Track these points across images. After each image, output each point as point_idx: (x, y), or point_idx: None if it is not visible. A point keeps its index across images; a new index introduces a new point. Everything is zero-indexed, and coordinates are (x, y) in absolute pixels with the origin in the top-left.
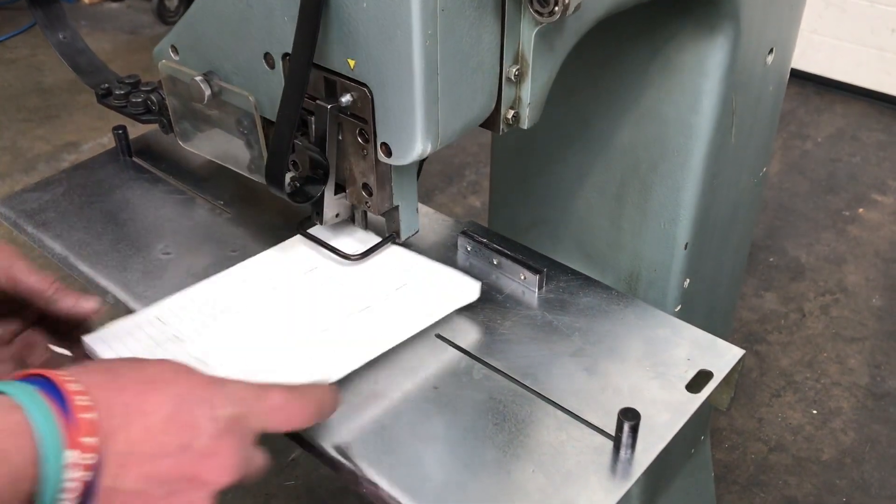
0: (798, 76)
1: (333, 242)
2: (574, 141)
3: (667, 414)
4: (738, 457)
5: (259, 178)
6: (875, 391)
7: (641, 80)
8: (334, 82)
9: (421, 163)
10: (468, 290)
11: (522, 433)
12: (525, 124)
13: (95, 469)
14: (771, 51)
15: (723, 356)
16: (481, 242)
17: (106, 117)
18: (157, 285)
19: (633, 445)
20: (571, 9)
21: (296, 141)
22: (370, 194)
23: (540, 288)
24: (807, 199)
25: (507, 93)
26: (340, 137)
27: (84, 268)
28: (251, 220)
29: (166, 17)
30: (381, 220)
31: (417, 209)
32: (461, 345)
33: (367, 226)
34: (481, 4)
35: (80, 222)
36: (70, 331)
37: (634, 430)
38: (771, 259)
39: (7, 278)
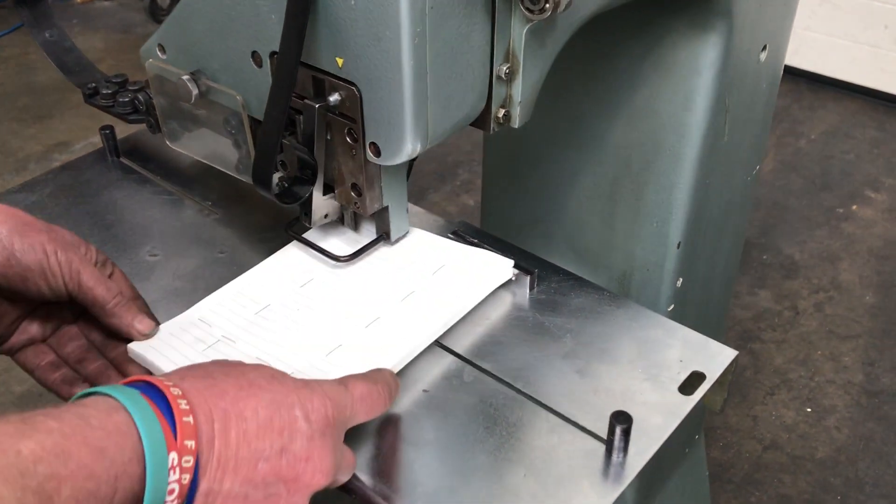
0: (791, 73)
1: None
2: (566, 139)
3: (659, 416)
4: (733, 455)
5: (247, 179)
6: (869, 389)
7: (634, 78)
8: (322, 81)
9: (411, 162)
10: (502, 268)
11: (514, 437)
12: (516, 123)
13: (195, 472)
14: (764, 48)
15: (716, 357)
16: (472, 243)
17: (97, 117)
18: (145, 287)
19: (625, 449)
20: (562, 6)
21: (283, 141)
22: (359, 195)
23: (531, 289)
24: (800, 196)
25: (498, 91)
26: (329, 137)
27: None
28: (239, 221)
29: (158, 16)
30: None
31: (407, 209)
32: (452, 347)
33: (357, 227)
34: (471, 2)
35: (66, 223)
36: (109, 332)
37: (626, 434)
38: (765, 257)
39: (74, 282)
